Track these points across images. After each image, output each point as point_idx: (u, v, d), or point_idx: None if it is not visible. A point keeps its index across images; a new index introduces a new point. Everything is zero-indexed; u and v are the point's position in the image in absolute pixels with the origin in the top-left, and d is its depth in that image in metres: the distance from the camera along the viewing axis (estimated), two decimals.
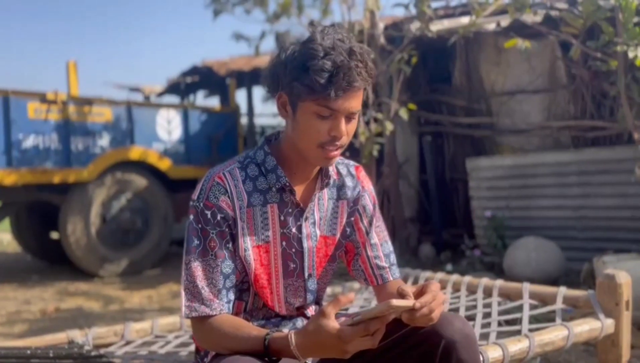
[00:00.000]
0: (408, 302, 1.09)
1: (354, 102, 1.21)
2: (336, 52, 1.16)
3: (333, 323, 1.07)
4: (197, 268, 1.25)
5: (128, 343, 1.91)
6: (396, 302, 1.04)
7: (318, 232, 1.38)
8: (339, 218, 1.41)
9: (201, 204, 1.27)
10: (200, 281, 1.24)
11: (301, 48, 1.20)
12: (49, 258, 6.70)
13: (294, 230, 1.34)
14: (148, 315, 4.00)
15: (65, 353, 1.68)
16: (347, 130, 1.24)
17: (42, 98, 5.47)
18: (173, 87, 8.91)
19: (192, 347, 1.85)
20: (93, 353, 1.70)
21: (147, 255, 6.07)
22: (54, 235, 6.64)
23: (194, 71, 8.29)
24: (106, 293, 4.99)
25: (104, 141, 5.87)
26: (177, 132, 6.43)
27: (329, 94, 1.16)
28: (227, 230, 1.27)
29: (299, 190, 1.34)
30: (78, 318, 4.07)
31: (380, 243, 1.45)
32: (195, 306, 1.23)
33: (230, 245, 1.28)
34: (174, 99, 9.32)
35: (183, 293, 1.26)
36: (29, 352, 1.64)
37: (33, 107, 5.42)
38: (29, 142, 5.39)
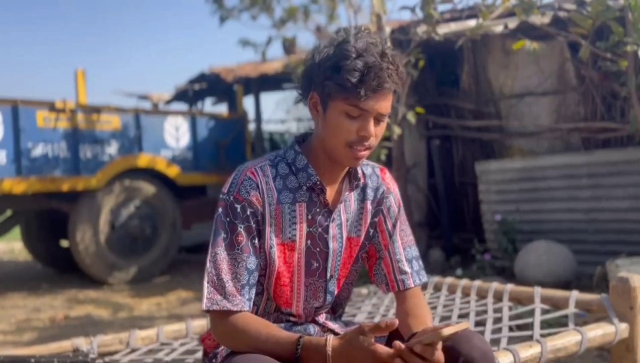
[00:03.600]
0: (458, 327, 1.06)
1: (384, 104, 1.23)
2: (368, 54, 1.19)
3: (370, 340, 1.08)
4: (223, 261, 1.25)
5: (133, 350, 1.89)
6: (447, 331, 1.04)
7: (345, 234, 1.38)
8: (364, 219, 1.41)
9: (231, 198, 1.27)
10: (225, 275, 1.24)
11: (335, 49, 1.22)
12: (59, 266, 6.73)
13: (320, 229, 1.34)
14: (157, 322, 3.99)
15: (69, 362, 1.66)
16: (375, 132, 1.25)
17: (51, 107, 5.51)
18: (181, 95, 8.96)
19: (198, 354, 1.83)
20: (98, 362, 1.68)
21: (156, 262, 6.08)
22: (64, 243, 6.67)
23: (201, 78, 8.33)
24: (115, 301, 4.99)
25: (113, 148, 5.89)
26: (185, 139, 6.44)
27: (359, 93, 1.18)
28: (254, 225, 1.28)
29: (328, 191, 1.34)
30: (87, 325, 4.07)
31: (403, 247, 1.43)
32: (217, 299, 1.23)
33: (256, 241, 1.28)
34: (182, 106, 9.37)
35: (206, 285, 1.25)
36: (33, 360, 1.63)
37: (42, 116, 5.46)
38: (38, 150, 5.43)
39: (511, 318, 2.02)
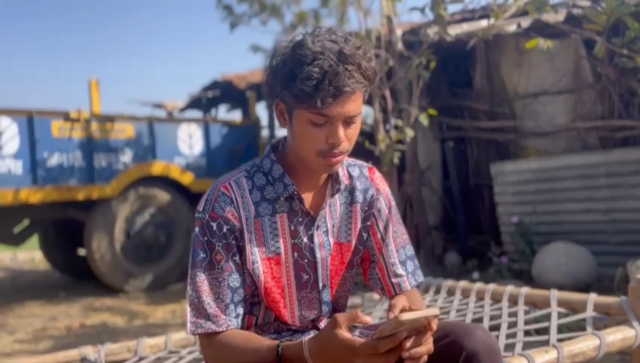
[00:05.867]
0: (422, 313, 0.98)
1: (350, 107, 1.14)
2: (325, 57, 1.10)
3: (343, 333, 1.02)
4: (203, 282, 1.21)
5: (141, 359, 1.87)
6: (406, 316, 0.95)
7: (331, 240, 1.32)
8: (353, 223, 1.35)
9: (207, 216, 1.23)
10: (207, 297, 1.20)
11: (290, 54, 1.14)
12: (76, 274, 6.78)
13: (305, 239, 1.29)
14: (171, 329, 3.97)
15: None
16: (347, 135, 1.17)
17: (66, 117, 5.57)
18: (195, 102, 8.99)
19: None
20: None
21: (171, 270, 6.09)
22: (81, 252, 6.72)
23: (214, 85, 8.35)
24: (130, 309, 5.01)
25: (127, 157, 5.93)
26: (198, 146, 6.46)
27: (315, 103, 1.11)
28: (233, 242, 1.23)
29: (308, 197, 1.29)
30: (102, 334, 4.08)
31: (396, 249, 1.37)
32: (200, 322, 1.20)
33: (237, 258, 1.24)
34: (196, 114, 9.40)
35: (188, 309, 1.22)
36: None
37: (57, 126, 5.51)
38: (54, 160, 5.48)
39: (527, 322, 1.96)
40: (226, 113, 9.89)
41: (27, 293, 6.00)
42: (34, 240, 7.10)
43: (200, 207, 1.26)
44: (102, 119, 5.81)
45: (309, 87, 1.10)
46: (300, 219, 1.28)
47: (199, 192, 6.39)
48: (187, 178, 6.24)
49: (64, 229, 6.62)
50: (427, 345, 1.03)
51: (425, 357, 1.04)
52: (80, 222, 5.88)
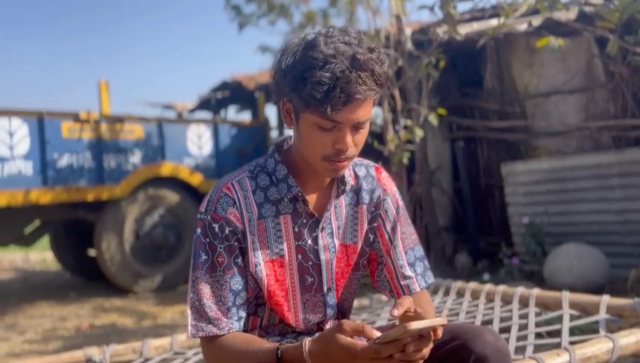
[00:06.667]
0: (431, 322, 0.97)
1: (360, 113, 1.11)
2: (337, 61, 1.07)
3: (346, 337, 1.00)
4: (205, 285, 1.19)
5: (146, 360, 1.86)
6: (415, 325, 0.95)
7: (337, 242, 1.30)
8: (359, 224, 1.32)
9: (209, 217, 1.21)
10: (208, 299, 1.19)
11: (301, 56, 1.11)
12: (86, 275, 6.82)
13: (309, 241, 1.27)
14: (179, 330, 3.97)
15: None
16: (354, 141, 1.15)
17: (76, 118, 5.59)
18: (204, 103, 9.01)
19: None
20: None
21: (180, 270, 6.09)
22: (92, 252, 6.75)
23: (224, 86, 8.36)
24: (140, 309, 5.01)
25: (136, 158, 5.94)
26: (207, 147, 6.47)
27: (325, 109, 1.08)
28: (235, 244, 1.21)
29: (312, 199, 1.27)
30: (111, 334, 4.08)
31: (405, 251, 1.34)
32: (201, 325, 1.18)
33: (239, 260, 1.22)
34: (206, 115, 9.43)
35: (189, 312, 1.20)
36: None
37: (67, 127, 5.54)
38: (64, 161, 5.50)
39: (538, 324, 1.92)
40: (235, 114, 9.90)
41: (38, 294, 6.04)
42: (46, 240, 7.14)
43: (202, 208, 1.24)
44: (112, 120, 5.83)
45: (320, 93, 1.07)
46: (305, 221, 1.26)
47: None
48: (196, 179, 6.24)
49: (74, 230, 6.65)
50: (422, 352, 1.00)
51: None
52: (90, 223, 5.90)
